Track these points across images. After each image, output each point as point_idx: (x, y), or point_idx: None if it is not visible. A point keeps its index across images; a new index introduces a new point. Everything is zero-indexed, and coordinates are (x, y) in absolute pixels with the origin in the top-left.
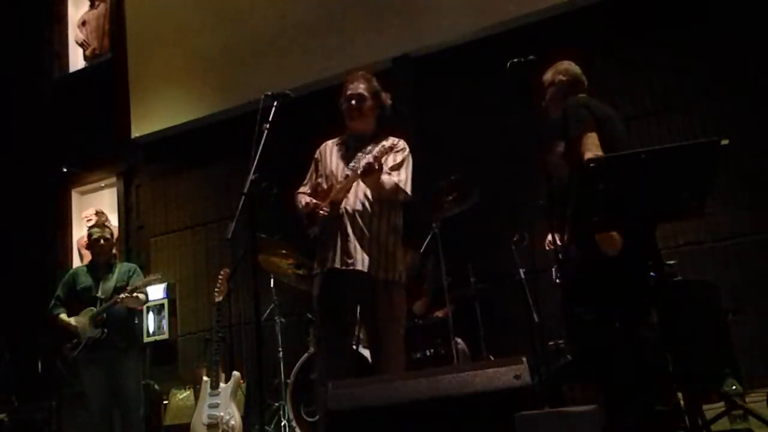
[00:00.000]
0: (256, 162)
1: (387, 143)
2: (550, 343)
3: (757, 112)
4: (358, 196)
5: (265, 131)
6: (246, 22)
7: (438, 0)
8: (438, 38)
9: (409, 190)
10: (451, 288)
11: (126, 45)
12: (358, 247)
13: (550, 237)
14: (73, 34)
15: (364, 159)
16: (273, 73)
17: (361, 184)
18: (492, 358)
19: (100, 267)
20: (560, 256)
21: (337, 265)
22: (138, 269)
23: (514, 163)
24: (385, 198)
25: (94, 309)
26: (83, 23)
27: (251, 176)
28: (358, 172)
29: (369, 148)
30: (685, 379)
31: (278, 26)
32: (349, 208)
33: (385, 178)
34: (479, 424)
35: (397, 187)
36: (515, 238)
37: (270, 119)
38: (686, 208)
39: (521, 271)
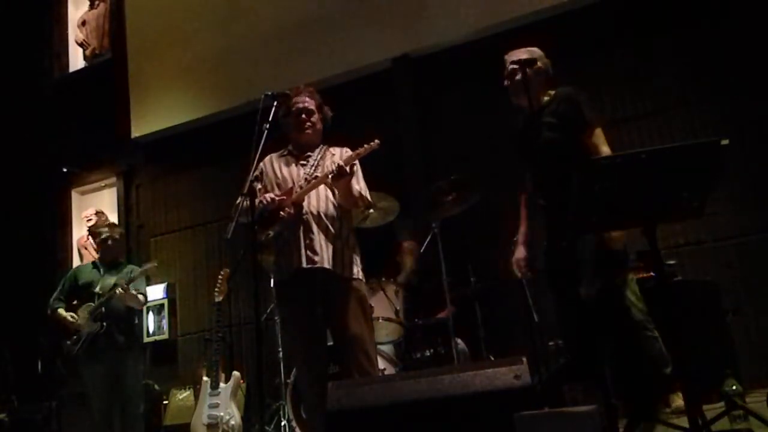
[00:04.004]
0: (256, 162)
1: (335, 151)
2: (550, 343)
3: (758, 112)
4: (320, 198)
5: (265, 131)
6: (246, 22)
7: (438, 0)
8: (438, 38)
9: (369, 198)
10: (451, 288)
11: (126, 45)
12: (323, 244)
13: (518, 254)
14: (73, 34)
15: (326, 163)
16: (273, 73)
17: (322, 187)
18: (492, 358)
19: (103, 265)
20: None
21: (304, 264)
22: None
23: (514, 163)
24: (347, 204)
25: (93, 304)
26: (83, 23)
27: (251, 176)
28: (330, 175)
29: (317, 157)
30: (685, 379)
31: (278, 26)
32: (312, 209)
33: (354, 183)
34: (479, 424)
35: (360, 195)
36: (515, 238)
37: (270, 119)
38: (686, 208)
39: None
